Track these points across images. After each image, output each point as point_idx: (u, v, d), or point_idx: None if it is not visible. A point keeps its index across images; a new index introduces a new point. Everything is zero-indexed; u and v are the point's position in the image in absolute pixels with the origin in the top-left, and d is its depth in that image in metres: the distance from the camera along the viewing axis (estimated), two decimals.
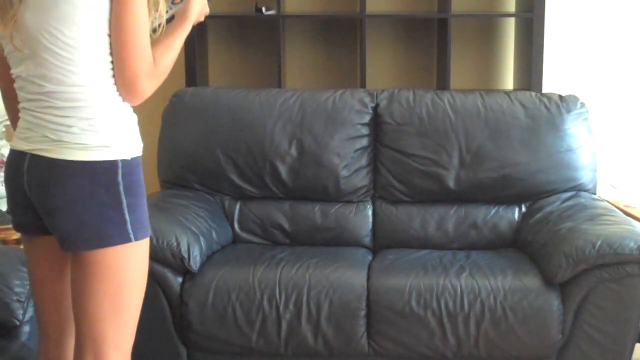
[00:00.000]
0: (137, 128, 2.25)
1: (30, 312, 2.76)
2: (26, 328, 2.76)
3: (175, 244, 3.23)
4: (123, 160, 2.16)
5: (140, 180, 2.21)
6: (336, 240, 3.73)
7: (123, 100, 2.19)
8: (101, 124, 2.14)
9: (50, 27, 2.11)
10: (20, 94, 2.21)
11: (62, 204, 2.13)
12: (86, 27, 2.11)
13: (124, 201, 2.15)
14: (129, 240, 2.17)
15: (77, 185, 2.12)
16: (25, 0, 2.14)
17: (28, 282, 2.75)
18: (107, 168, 2.14)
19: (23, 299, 2.73)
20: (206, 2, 2.39)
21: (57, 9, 2.10)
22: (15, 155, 2.21)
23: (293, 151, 3.73)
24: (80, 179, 2.12)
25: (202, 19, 2.40)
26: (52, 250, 2.27)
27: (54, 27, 2.11)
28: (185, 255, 3.24)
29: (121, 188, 2.15)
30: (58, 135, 2.14)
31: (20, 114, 2.23)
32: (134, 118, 2.24)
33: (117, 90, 2.17)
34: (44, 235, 2.25)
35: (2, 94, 2.35)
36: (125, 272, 2.19)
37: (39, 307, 2.37)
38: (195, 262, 3.27)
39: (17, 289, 2.72)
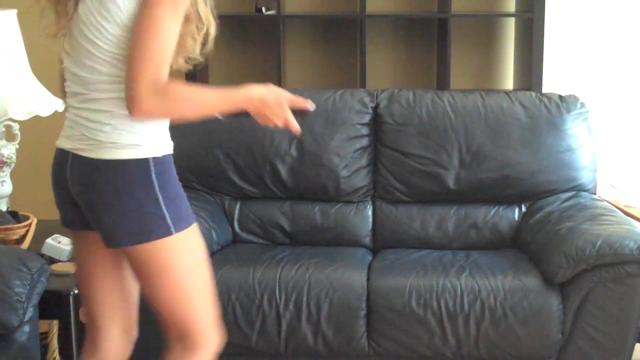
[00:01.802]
0: (167, 126, 2.27)
1: (30, 312, 2.75)
2: (26, 328, 2.76)
3: None
4: (154, 158, 2.19)
5: (173, 175, 2.24)
6: (336, 240, 3.72)
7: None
8: (132, 123, 2.16)
9: (97, 23, 2.13)
10: (66, 88, 2.25)
11: (101, 203, 2.17)
12: (128, 28, 2.12)
13: (160, 197, 2.18)
14: (170, 234, 2.19)
15: (114, 185, 2.15)
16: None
17: (28, 282, 2.74)
18: (140, 166, 2.17)
19: (23, 299, 2.72)
20: (284, 103, 2.26)
21: (103, 7, 2.12)
22: (60, 154, 2.26)
23: (293, 151, 3.73)
24: (116, 177, 2.15)
25: (279, 122, 2.27)
26: (99, 244, 2.28)
27: (100, 23, 2.13)
28: None
29: (156, 185, 2.17)
30: (93, 134, 2.17)
31: (66, 112, 2.28)
32: None
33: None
34: (90, 231, 2.28)
35: (60, 88, 2.37)
36: (174, 262, 2.22)
37: (86, 299, 2.42)
38: None
39: (17, 289, 2.71)
